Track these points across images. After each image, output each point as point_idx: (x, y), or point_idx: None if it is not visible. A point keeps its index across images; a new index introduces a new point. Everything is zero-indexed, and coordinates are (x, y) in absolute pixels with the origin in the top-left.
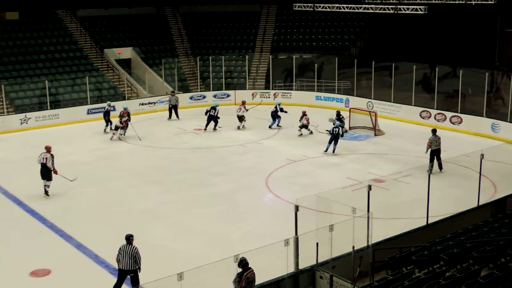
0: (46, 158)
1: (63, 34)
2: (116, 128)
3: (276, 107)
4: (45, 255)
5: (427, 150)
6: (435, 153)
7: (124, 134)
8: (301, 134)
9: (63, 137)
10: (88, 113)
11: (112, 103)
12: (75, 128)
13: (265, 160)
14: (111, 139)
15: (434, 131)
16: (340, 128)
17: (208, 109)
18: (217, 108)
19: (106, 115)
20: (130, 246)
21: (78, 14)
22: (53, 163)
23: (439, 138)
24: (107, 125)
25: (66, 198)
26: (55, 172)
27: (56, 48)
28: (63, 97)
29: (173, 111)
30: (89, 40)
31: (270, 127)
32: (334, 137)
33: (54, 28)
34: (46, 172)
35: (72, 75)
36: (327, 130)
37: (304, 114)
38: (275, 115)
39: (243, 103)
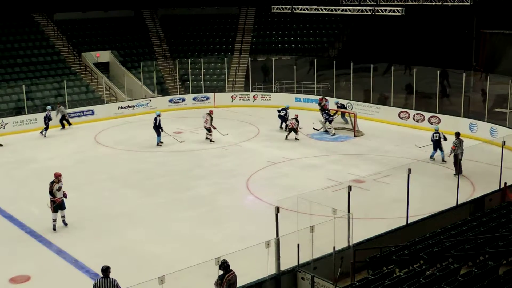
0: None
1: (40, 38)
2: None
3: (285, 110)
4: (25, 261)
5: (450, 154)
6: (459, 156)
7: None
8: (286, 138)
9: (41, 142)
10: (67, 117)
11: (49, 107)
12: (53, 132)
13: (245, 163)
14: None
15: (457, 134)
16: (440, 134)
17: (279, 110)
18: (287, 110)
19: (47, 119)
20: (108, 279)
21: (55, 17)
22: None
23: (463, 141)
24: (46, 130)
25: (45, 203)
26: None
27: (33, 52)
28: (40, 101)
29: (64, 121)
30: (66, 43)
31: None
32: (436, 144)
33: (31, 32)
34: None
35: (50, 79)
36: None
37: (295, 118)
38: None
39: (211, 113)
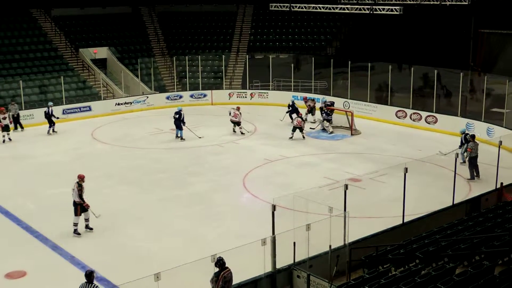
0: (73, 190)
1: (37, 34)
2: None
3: (292, 102)
4: (21, 257)
5: (467, 157)
6: (474, 160)
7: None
8: (291, 137)
9: (38, 138)
10: (63, 113)
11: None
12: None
13: (242, 160)
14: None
15: (473, 137)
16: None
17: (291, 103)
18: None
19: (48, 115)
20: (91, 285)
21: (52, 13)
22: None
23: (478, 144)
24: (50, 126)
25: (41, 198)
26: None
27: (31, 48)
28: (37, 97)
29: (18, 124)
30: (64, 39)
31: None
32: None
33: (29, 28)
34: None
35: (47, 75)
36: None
37: (300, 116)
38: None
39: (238, 108)
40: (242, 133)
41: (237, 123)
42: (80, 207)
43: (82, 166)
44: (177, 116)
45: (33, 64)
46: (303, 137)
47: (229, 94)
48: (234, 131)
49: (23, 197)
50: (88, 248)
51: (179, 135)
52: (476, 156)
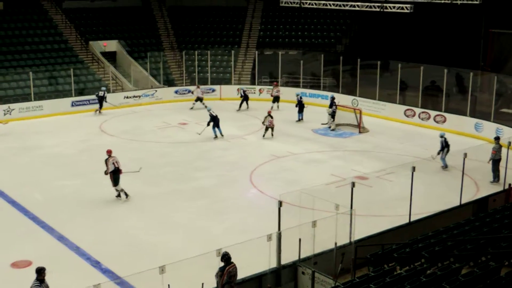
0: (117, 162)
1: (48, 26)
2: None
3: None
4: (27, 246)
5: (490, 159)
6: (498, 162)
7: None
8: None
9: (47, 129)
10: (72, 105)
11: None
12: (58, 120)
13: (249, 156)
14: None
15: (497, 138)
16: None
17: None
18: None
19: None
20: (43, 285)
21: (63, 6)
22: (110, 164)
23: (501, 147)
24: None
25: (48, 189)
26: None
27: (41, 40)
28: (47, 88)
29: None
30: (74, 32)
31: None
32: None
33: (39, 20)
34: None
35: (57, 67)
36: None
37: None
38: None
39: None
40: (272, 134)
41: (271, 128)
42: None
43: (89, 158)
44: (210, 116)
45: (43, 56)
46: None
47: (238, 89)
48: (264, 136)
49: (30, 187)
50: (93, 239)
51: (219, 133)
52: (500, 159)
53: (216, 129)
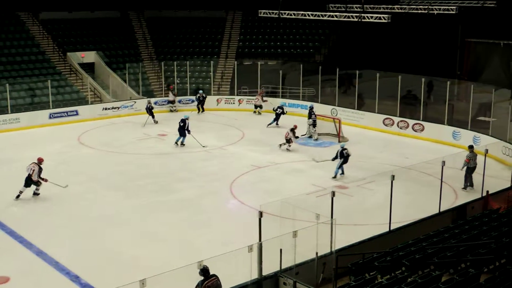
0: (33, 170)
1: (25, 37)
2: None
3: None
4: (4, 262)
5: (463, 167)
6: (471, 171)
7: None
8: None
9: (24, 142)
10: (50, 117)
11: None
12: (36, 132)
13: (229, 166)
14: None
15: (471, 147)
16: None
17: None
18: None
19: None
20: None
21: (40, 16)
22: (39, 175)
23: (476, 155)
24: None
25: (26, 203)
26: (45, 181)
27: (18, 51)
28: (24, 100)
29: None
30: (51, 43)
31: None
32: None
33: (16, 31)
34: (29, 183)
35: (34, 78)
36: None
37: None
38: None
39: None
40: (288, 149)
41: (287, 141)
42: (33, 182)
43: (67, 170)
44: (182, 124)
45: (20, 68)
46: (288, 149)
47: (217, 100)
48: (281, 147)
49: (7, 201)
50: (72, 253)
51: (180, 141)
52: (474, 167)
53: (182, 138)
